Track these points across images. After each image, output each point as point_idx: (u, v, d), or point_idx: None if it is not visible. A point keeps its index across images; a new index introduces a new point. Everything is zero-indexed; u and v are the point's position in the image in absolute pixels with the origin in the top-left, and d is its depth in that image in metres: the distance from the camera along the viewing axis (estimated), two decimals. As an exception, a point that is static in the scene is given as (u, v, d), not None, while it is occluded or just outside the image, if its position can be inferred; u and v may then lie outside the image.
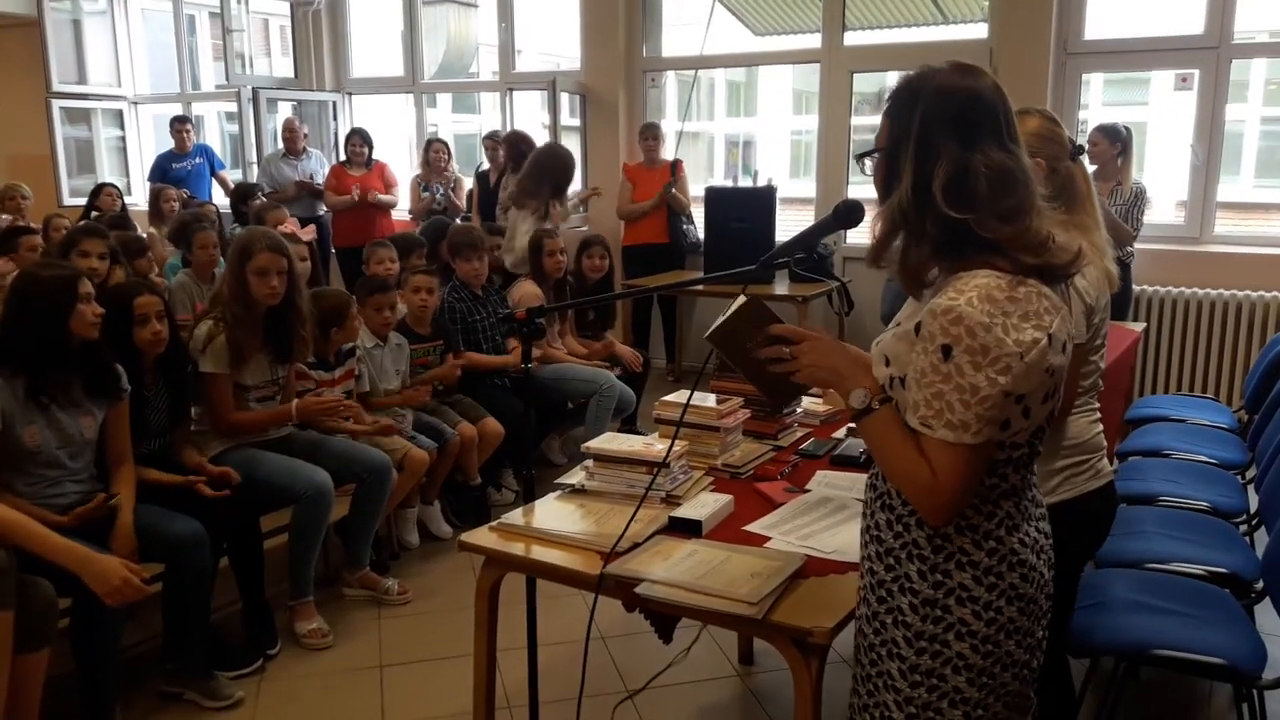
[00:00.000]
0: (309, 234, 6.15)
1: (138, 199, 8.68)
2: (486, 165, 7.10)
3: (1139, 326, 4.84)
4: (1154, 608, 2.39)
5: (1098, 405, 2.17)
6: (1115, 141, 5.17)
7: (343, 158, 7.38)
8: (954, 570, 1.46)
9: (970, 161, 1.37)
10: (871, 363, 1.53)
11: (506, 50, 7.73)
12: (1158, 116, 7.26)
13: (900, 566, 1.50)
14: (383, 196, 7.10)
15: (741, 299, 1.70)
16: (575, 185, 6.13)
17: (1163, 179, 6.31)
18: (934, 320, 1.37)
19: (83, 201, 7.38)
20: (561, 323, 5.07)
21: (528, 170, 5.76)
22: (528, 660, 2.38)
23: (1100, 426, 2.15)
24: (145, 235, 6.34)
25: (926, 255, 1.43)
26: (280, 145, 7.47)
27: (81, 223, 5.28)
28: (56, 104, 8.60)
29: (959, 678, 1.48)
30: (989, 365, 1.34)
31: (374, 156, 7.24)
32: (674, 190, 6.51)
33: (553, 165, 5.72)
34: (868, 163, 1.51)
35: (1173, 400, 4.68)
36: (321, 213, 7.31)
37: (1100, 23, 5.86)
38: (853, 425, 1.84)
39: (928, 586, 1.47)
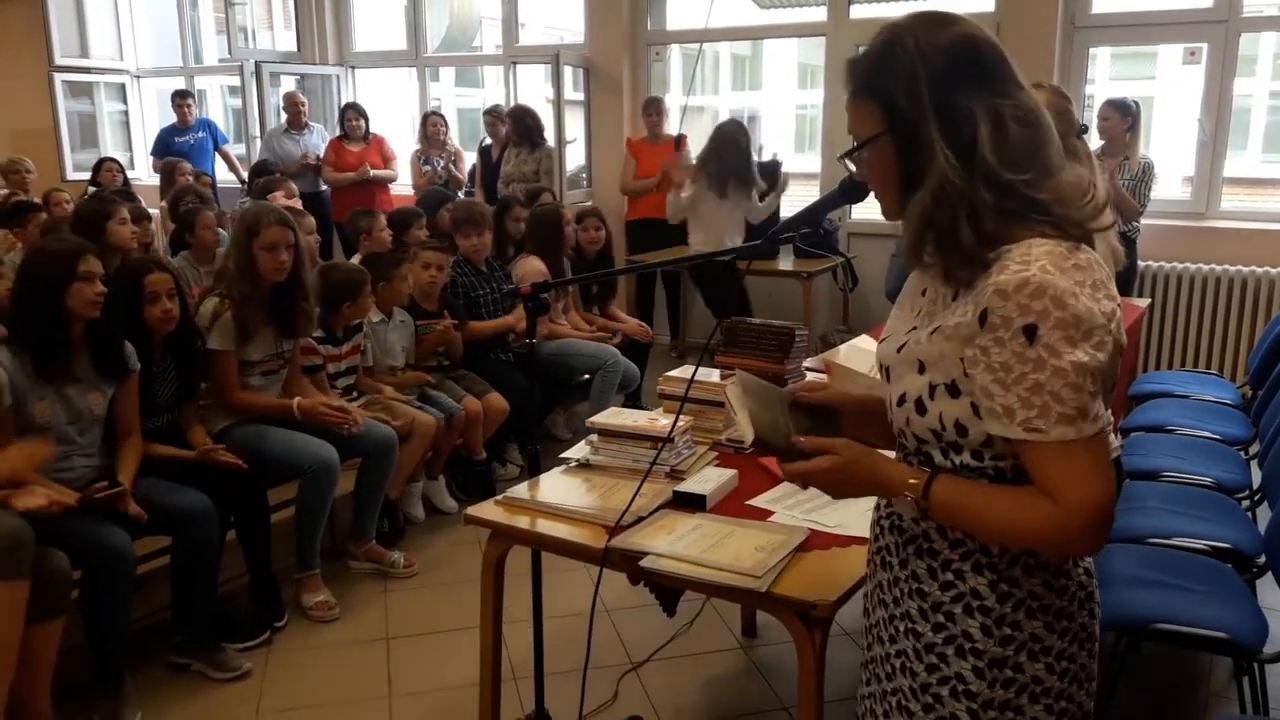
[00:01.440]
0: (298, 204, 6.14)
1: (140, 173, 8.66)
2: (489, 140, 7.08)
3: (1144, 302, 4.83)
4: (1156, 582, 2.41)
5: (1103, 380, 2.18)
6: (1126, 116, 5.15)
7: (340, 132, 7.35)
8: (1024, 620, 1.24)
9: (1003, 112, 1.18)
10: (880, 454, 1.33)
11: (510, 23, 7.68)
12: (1165, 91, 7.22)
13: (955, 624, 1.27)
14: (381, 172, 7.07)
15: (737, 384, 1.47)
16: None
17: (1170, 154, 6.28)
18: (1005, 301, 1.13)
19: (86, 176, 7.37)
20: (565, 298, 5.08)
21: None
22: (533, 632, 2.41)
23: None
24: (159, 209, 6.34)
25: (989, 230, 1.18)
26: (283, 119, 7.45)
27: (95, 191, 5.27)
28: (59, 77, 8.56)
29: None
30: (1083, 339, 1.12)
31: (371, 130, 7.21)
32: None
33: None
34: (851, 162, 1.31)
35: (1177, 376, 4.68)
36: (322, 188, 7.30)
37: (1108, -4, 5.82)
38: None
39: (995, 644, 1.25)
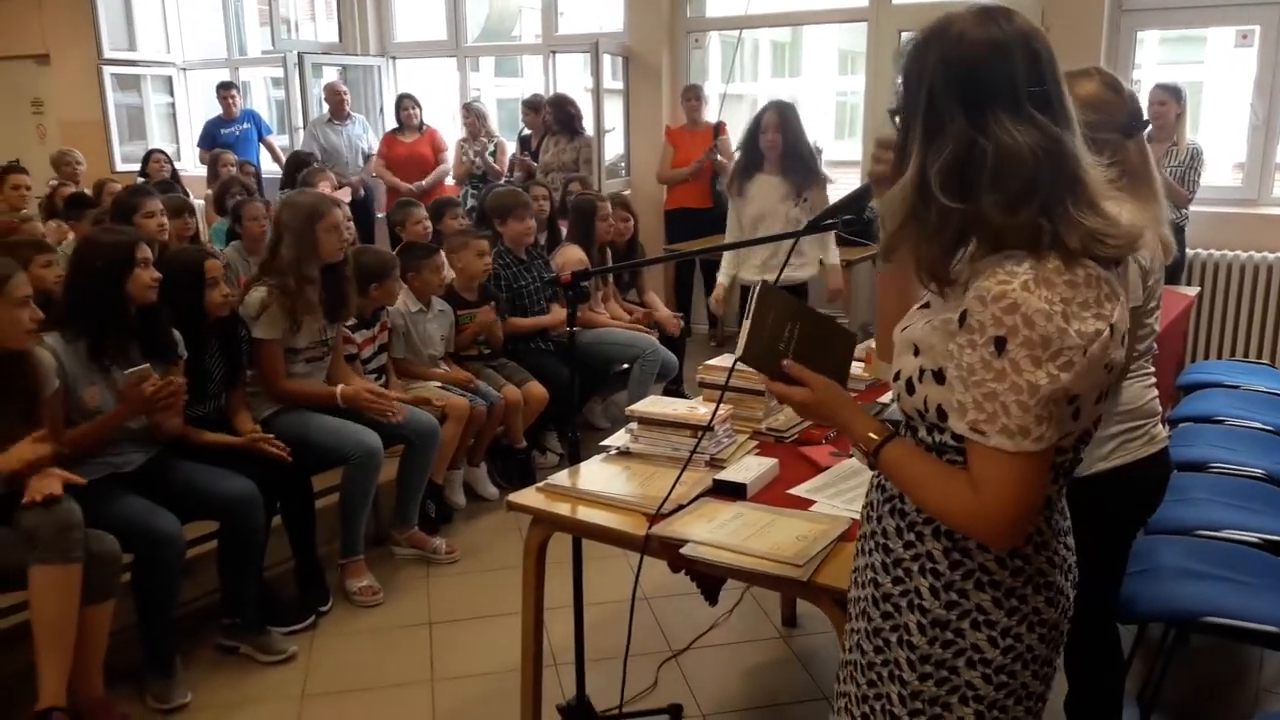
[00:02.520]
0: (345, 195, 6.21)
1: (187, 165, 8.80)
2: (528, 130, 7.10)
3: (1192, 291, 4.74)
4: (1205, 575, 2.37)
5: (1153, 370, 2.14)
6: (1179, 101, 5.05)
7: (389, 123, 7.37)
8: (971, 590, 1.32)
9: (976, 141, 1.20)
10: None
11: (549, 12, 7.68)
12: (1215, 75, 7.06)
13: (910, 580, 1.35)
14: (427, 181, 7.03)
15: (756, 292, 1.49)
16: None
17: (1220, 140, 6.16)
18: (984, 309, 1.19)
19: (135, 167, 7.50)
20: (604, 287, 5.09)
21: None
22: (574, 619, 2.42)
23: (1155, 392, 2.12)
24: (204, 199, 6.44)
25: (939, 253, 1.26)
26: (325, 110, 7.52)
27: (134, 184, 5.37)
28: (108, 70, 8.71)
29: (965, 709, 1.35)
30: (1049, 360, 1.16)
31: (425, 121, 7.24)
32: (718, 155, 6.46)
33: None
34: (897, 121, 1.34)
35: (1226, 366, 4.59)
36: (368, 176, 7.36)
37: (1157, -22, 5.69)
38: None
39: (939, 606, 1.33)
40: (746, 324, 1.46)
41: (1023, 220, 1.20)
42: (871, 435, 1.36)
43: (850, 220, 1.89)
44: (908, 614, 1.36)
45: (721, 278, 4.60)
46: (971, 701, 1.34)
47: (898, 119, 1.31)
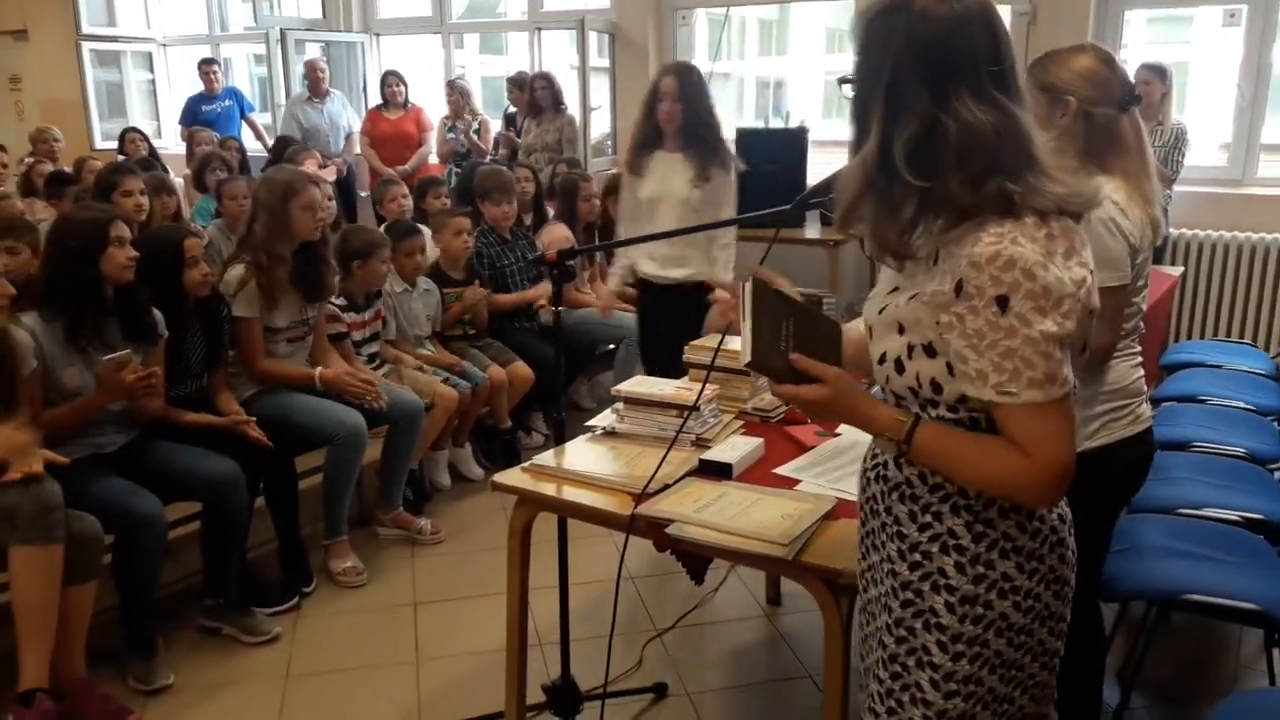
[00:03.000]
0: (330, 174, 6.14)
1: (168, 142, 8.70)
2: (514, 109, 7.05)
3: (1176, 271, 4.76)
4: (1186, 553, 2.38)
5: (1139, 349, 2.14)
6: (1164, 80, 5.05)
7: (372, 101, 7.29)
8: (997, 560, 1.31)
9: (940, 120, 1.22)
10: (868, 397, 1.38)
11: (535, -12, 7.61)
12: (1201, 55, 7.06)
13: (930, 562, 1.34)
14: (407, 167, 6.96)
15: (748, 291, 1.41)
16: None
17: (1206, 120, 6.16)
18: (980, 272, 1.20)
19: (115, 145, 7.40)
20: (590, 267, 5.07)
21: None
22: (559, 599, 2.42)
23: (1141, 371, 2.12)
24: (183, 178, 6.37)
25: (897, 228, 1.27)
26: (304, 87, 7.43)
27: (116, 162, 5.30)
28: (87, 46, 8.59)
29: (993, 677, 1.35)
30: (1053, 308, 1.19)
31: (410, 99, 7.17)
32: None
33: None
34: (847, 89, 1.33)
35: (1209, 346, 4.62)
36: (350, 155, 7.29)
37: (1145, -44, 5.67)
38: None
39: (967, 581, 1.32)
40: (746, 326, 1.41)
41: (988, 193, 1.23)
42: (901, 419, 1.33)
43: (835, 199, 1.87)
44: (932, 596, 1.34)
45: (613, 284, 4.00)
46: (998, 668, 1.35)
47: (849, 89, 1.32)
